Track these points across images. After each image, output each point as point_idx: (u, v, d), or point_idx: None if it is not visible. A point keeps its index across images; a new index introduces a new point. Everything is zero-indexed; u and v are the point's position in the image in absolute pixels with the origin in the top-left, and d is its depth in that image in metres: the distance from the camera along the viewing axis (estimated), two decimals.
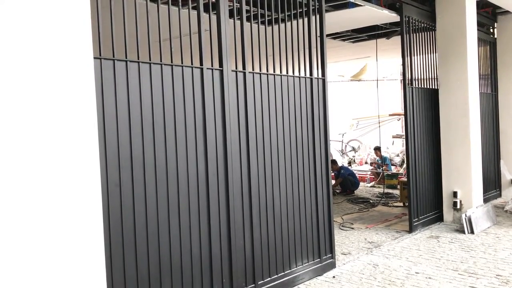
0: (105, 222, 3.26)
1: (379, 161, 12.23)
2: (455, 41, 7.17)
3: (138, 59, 3.58)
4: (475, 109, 7.32)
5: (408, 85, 7.06)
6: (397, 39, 9.24)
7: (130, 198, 3.53)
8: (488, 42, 8.98)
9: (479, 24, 8.07)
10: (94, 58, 3.05)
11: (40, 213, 2.59)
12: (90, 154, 2.83)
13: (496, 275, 4.99)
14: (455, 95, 7.25)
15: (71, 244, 2.72)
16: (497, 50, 9.23)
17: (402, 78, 7.19)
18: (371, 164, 12.71)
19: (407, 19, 6.97)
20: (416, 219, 7.06)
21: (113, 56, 3.42)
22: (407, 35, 6.99)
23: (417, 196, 7.15)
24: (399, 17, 7.02)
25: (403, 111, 7.22)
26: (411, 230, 6.94)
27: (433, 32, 7.51)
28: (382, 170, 11.37)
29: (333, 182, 10.57)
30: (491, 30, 9.24)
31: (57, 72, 2.67)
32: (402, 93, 7.24)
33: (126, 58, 3.50)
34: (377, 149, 12.65)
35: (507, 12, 8.81)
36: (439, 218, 7.48)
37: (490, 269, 5.19)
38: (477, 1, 7.43)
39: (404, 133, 12.91)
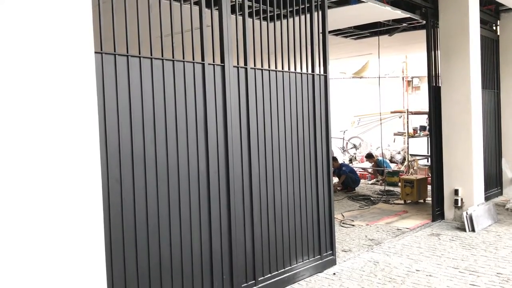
0: (106, 218, 3.26)
1: (377, 166, 12.01)
2: (458, 38, 7.14)
3: (140, 54, 3.57)
4: (477, 107, 7.29)
5: (432, 84, 7.45)
6: (399, 36, 9.25)
7: (131, 194, 3.52)
8: (491, 39, 8.95)
9: (482, 21, 8.04)
10: (95, 52, 3.04)
11: (40, 209, 2.59)
12: (91, 149, 2.82)
13: (497, 273, 4.98)
14: (457, 92, 7.22)
15: (71, 240, 2.71)
16: (499, 47, 9.20)
17: (427, 79, 7.60)
18: (371, 172, 12.43)
19: (432, 23, 7.37)
20: (438, 208, 7.47)
21: (114, 51, 3.40)
22: (432, 38, 7.44)
23: (439, 189, 7.57)
24: (399, 13, 7.02)
25: (429, 111, 7.66)
26: (434, 219, 7.40)
27: (436, 29, 7.49)
28: (384, 173, 11.26)
29: (335, 179, 10.56)
30: (494, 28, 9.21)
31: (58, 67, 2.66)
32: (428, 92, 7.60)
33: (127, 53, 3.48)
34: (369, 157, 12.44)
35: (510, 9, 8.77)
36: (440, 216, 7.47)
37: (490, 267, 5.18)
38: None
39: (405, 131, 12.92)
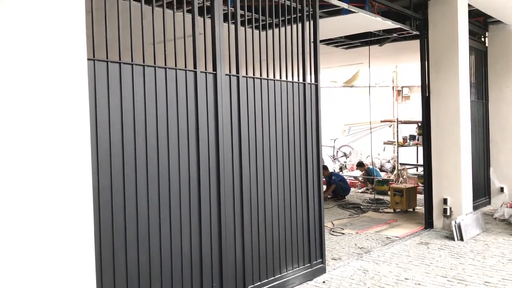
0: (96, 224, 3.25)
1: (368, 175, 12.06)
2: (447, 49, 7.24)
3: (132, 61, 3.58)
4: (465, 117, 7.38)
5: (426, 94, 7.59)
6: (389, 46, 9.35)
7: (121, 200, 3.51)
8: (479, 50, 9.08)
9: (471, 33, 8.16)
10: (88, 59, 3.05)
11: (30, 214, 2.58)
12: (82, 155, 2.82)
13: (485, 282, 5.03)
14: (446, 102, 7.31)
15: (61, 245, 2.70)
16: (488, 58, 9.33)
17: (421, 90, 7.82)
18: (361, 180, 12.44)
19: (426, 36, 7.51)
20: (430, 217, 7.56)
21: (107, 58, 3.41)
22: (426, 49, 7.55)
23: (431, 198, 7.64)
24: (393, 24, 7.12)
25: (422, 121, 7.83)
26: (426, 227, 7.52)
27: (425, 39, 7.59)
28: (374, 182, 11.34)
29: (325, 187, 10.60)
30: (483, 39, 9.34)
31: (51, 73, 2.67)
32: (423, 104, 7.72)
33: (119, 60, 3.49)
34: (360, 165, 12.49)
35: (498, 21, 8.91)
36: (430, 225, 7.52)
37: (478, 276, 5.23)
38: (469, 10, 7.52)
39: (395, 140, 12.99)
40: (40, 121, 2.63)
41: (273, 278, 4.77)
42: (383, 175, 12.74)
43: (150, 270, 3.70)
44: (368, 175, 11.91)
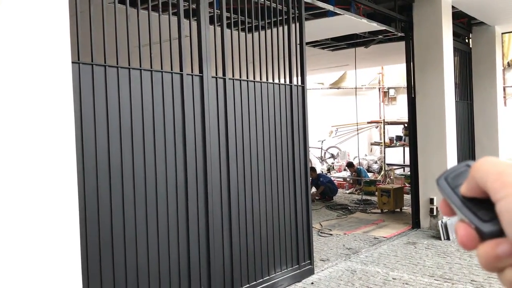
0: (82, 228, 3.22)
1: (357, 176, 12.13)
2: (432, 50, 7.32)
3: (117, 64, 3.56)
4: (451, 117, 7.46)
5: (412, 95, 7.66)
6: (375, 48, 9.42)
7: (108, 204, 3.49)
8: (463, 52, 9.18)
9: (455, 34, 8.25)
10: (72, 62, 3.02)
11: (14, 219, 2.55)
12: (67, 159, 2.80)
13: (471, 280, 5.08)
14: (431, 103, 7.38)
15: (47, 250, 2.68)
16: (472, 60, 9.44)
17: (407, 91, 7.88)
18: (350, 183, 12.50)
19: (411, 37, 7.59)
20: (416, 216, 7.65)
21: (92, 61, 3.39)
22: (412, 52, 7.58)
23: (417, 198, 7.72)
24: (379, 26, 7.17)
25: (408, 121, 7.90)
26: (413, 227, 7.57)
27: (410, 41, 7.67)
28: (361, 183, 11.41)
29: (314, 190, 10.62)
30: (467, 40, 9.45)
31: (35, 76, 2.64)
32: (409, 105, 7.79)
33: (105, 63, 3.47)
34: (350, 165, 12.59)
35: (481, 23, 9.02)
36: (417, 225, 7.58)
37: (465, 274, 5.28)
38: (453, 12, 7.61)
39: (382, 141, 13.09)
40: (24, 124, 2.60)
41: (261, 280, 4.77)
42: (370, 176, 12.83)
43: (138, 274, 3.67)
44: (358, 175, 11.97)
